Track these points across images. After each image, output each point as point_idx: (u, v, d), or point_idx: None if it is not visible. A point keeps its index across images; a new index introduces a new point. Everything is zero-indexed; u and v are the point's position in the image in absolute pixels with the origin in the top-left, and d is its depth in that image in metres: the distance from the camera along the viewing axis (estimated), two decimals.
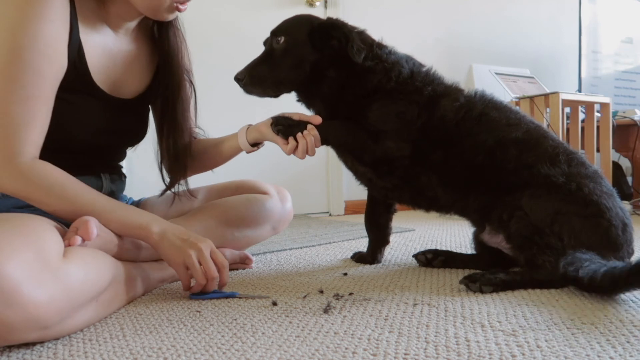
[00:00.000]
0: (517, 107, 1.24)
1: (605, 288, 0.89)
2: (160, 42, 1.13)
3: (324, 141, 1.15)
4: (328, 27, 1.17)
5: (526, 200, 1.05)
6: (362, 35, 1.19)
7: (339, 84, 1.16)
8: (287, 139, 1.11)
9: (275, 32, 1.17)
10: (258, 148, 1.22)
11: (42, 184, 0.89)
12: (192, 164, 1.23)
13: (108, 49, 1.04)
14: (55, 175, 0.91)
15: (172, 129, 1.14)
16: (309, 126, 1.11)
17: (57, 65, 0.91)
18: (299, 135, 1.10)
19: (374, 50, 1.17)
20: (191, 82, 1.18)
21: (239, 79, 1.13)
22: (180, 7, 1.01)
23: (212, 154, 1.25)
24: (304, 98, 1.23)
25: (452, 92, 1.18)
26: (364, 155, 1.16)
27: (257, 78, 1.13)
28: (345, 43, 1.13)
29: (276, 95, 1.18)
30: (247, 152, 1.22)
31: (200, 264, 0.95)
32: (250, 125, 1.20)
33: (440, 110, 1.14)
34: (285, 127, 1.11)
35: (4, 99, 0.85)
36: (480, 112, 1.15)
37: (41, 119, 0.90)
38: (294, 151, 1.11)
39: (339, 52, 1.14)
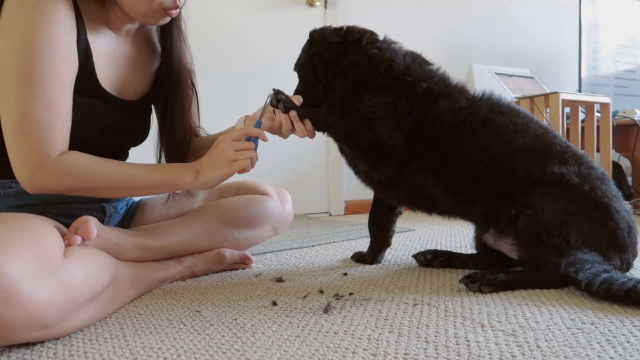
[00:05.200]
0: (525, 110, 1.21)
1: (600, 296, 0.90)
2: (162, 41, 1.14)
3: (318, 127, 1.14)
4: (309, 38, 1.24)
5: (537, 197, 1.04)
6: (348, 30, 1.22)
7: (329, 83, 1.19)
8: (287, 111, 1.11)
9: (293, 69, 1.28)
10: None
11: (81, 173, 0.93)
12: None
13: (111, 51, 1.04)
14: (88, 161, 0.94)
15: (171, 127, 1.14)
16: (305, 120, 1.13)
17: (71, 66, 0.93)
18: (282, 114, 1.11)
19: (362, 45, 1.18)
20: (193, 84, 1.19)
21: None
22: (171, 12, 1.01)
23: None
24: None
25: (453, 92, 1.16)
26: (358, 140, 1.15)
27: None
28: (318, 45, 1.19)
29: None
30: None
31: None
32: (247, 116, 1.20)
33: (437, 110, 1.13)
34: (287, 99, 1.12)
35: (30, 105, 0.86)
36: (485, 116, 1.13)
37: (65, 117, 0.92)
38: (280, 129, 1.13)
39: (321, 56, 1.19)
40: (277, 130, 1.14)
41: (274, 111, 1.12)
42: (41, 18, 0.87)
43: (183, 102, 1.15)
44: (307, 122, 1.11)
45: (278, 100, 1.10)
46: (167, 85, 1.13)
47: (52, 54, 0.88)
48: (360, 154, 1.18)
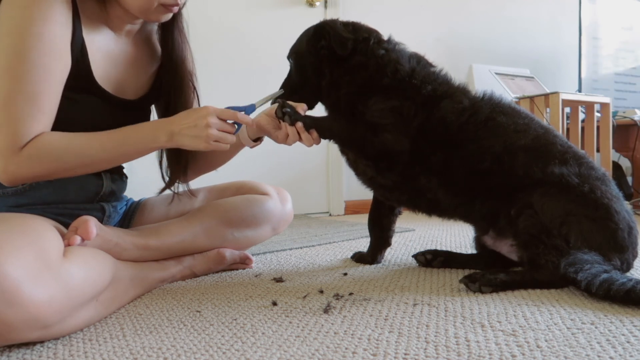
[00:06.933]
0: (526, 110, 1.21)
1: (600, 296, 0.90)
2: (164, 42, 1.14)
3: (323, 135, 1.13)
4: (318, 29, 1.20)
5: (537, 198, 1.04)
6: (355, 26, 1.21)
7: (335, 82, 1.17)
8: (293, 124, 1.09)
9: (287, 56, 1.24)
10: (260, 142, 1.22)
11: (52, 156, 0.91)
12: (198, 165, 1.23)
13: (110, 50, 1.05)
14: (57, 139, 0.93)
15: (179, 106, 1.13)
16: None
17: (61, 63, 0.93)
18: (288, 126, 1.10)
19: (370, 45, 1.17)
20: (194, 86, 1.18)
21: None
22: (171, 8, 1.01)
23: (217, 153, 1.26)
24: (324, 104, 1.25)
25: (455, 93, 1.15)
26: (364, 148, 1.14)
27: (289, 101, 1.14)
28: (329, 39, 1.16)
29: (312, 108, 1.22)
30: (251, 147, 1.22)
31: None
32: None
33: (441, 111, 1.12)
34: (292, 111, 1.10)
35: (11, 96, 0.87)
36: (487, 116, 1.12)
37: (48, 112, 0.92)
38: (285, 139, 1.12)
39: (329, 50, 1.16)
40: (283, 140, 1.13)
41: (279, 121, 1.11)
42: (35, 14, 0.88)
43: (186, 102, 1.15)
44: (313, 131, 1.10)
45: (284, 113, 1.09)
46: (168, 86, 1.13)
47: (41, 50, 0.88)
48: (367, 160, 1.17)
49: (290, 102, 1.12)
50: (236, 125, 1.04)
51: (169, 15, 1.04)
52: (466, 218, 1.20)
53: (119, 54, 1.07)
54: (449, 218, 1.22)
